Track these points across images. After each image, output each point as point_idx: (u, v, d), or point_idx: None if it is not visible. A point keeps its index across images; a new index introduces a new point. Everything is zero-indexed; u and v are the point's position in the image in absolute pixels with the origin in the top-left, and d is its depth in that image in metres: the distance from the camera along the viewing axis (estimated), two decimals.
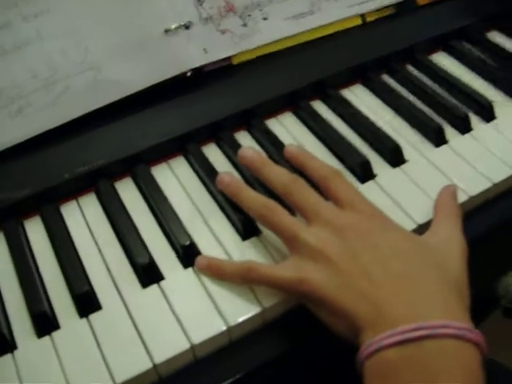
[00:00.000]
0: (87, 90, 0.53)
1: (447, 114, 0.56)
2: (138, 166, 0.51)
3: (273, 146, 0.53)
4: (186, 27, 0.56)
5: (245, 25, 0.59)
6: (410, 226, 0.46)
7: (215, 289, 0.43)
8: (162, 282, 0.44)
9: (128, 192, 0.51)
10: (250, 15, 0.59)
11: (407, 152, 0.53)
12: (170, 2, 0.56)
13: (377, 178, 0.51)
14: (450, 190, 0.47)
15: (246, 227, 0.46)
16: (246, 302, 0.42)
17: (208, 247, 0.46)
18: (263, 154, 0.50)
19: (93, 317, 0.42)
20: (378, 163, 0.52)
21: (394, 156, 0.52)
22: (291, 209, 0.45)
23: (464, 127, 0.55)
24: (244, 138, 0.55)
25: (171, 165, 0.53)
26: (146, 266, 0.44)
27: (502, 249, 0.57)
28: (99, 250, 0.46)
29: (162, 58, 0.55)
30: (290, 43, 0.61)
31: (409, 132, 0.55)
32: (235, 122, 0.55)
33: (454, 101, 0.58)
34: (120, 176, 0.52)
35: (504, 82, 0.60)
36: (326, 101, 0.59)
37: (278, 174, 0.46)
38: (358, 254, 0.39)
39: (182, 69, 0.56)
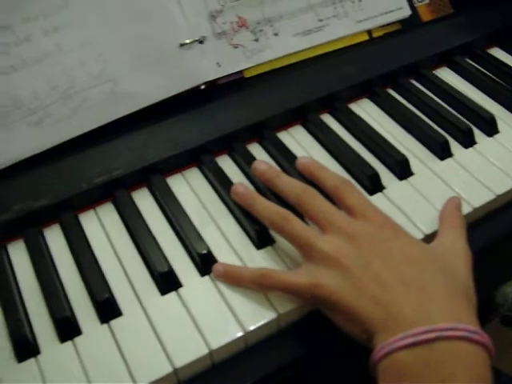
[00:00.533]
0: (104, 102, 0.55)
1: (451, 127, 0.58)
2: (154, 177, 0.53)
3: (284, 158, 0.54)
4: (200, 42, 0.58)
5: (256, 40, 0.61)
6: (417, 235, 0.48)
7: (232, 295, 0.44)
8: (181, 289, 0.45)
9: (145, 201, 0.52)
10: (261, 30, 0.61)
11: (413, 164, 0.54)
12: (185, 18, 0.58)
13: (385, 190, 0.52)
14: (455, 202, 0.49)
15: (260, 236, 0.48)
16: (261, 308, 0.43)
17: (223, 256, 0.47)
18: (276, 167, 0.51)
19: (113, 323, 0.43)
20: (385, 175, 0.54)
21: (403, 168, 0.53)
22: (304, 218, 0.46)
23: (468, 141, 0.57)
24: (256, 150, 0.57)
25: (186, 175, 0.55)
26: (165, 273, 0.45)
27: (501, 259, 0.59)
28: (118, 258, 0.48)
29: (177, 71, 0.57)
30: (299, 58, 0.63)
31: (415, 145, 0.57)
32: (247, 134, 0.57)
33: (457, 115, 0.59)
34: (136, 186, 0.53)
35: (506, 97, 0.62)
36: (335, 114, 0.60)
37: (290, 184, 0.48)
38: (371, 261, 0.41)
39: (197, 82, 0.58)
